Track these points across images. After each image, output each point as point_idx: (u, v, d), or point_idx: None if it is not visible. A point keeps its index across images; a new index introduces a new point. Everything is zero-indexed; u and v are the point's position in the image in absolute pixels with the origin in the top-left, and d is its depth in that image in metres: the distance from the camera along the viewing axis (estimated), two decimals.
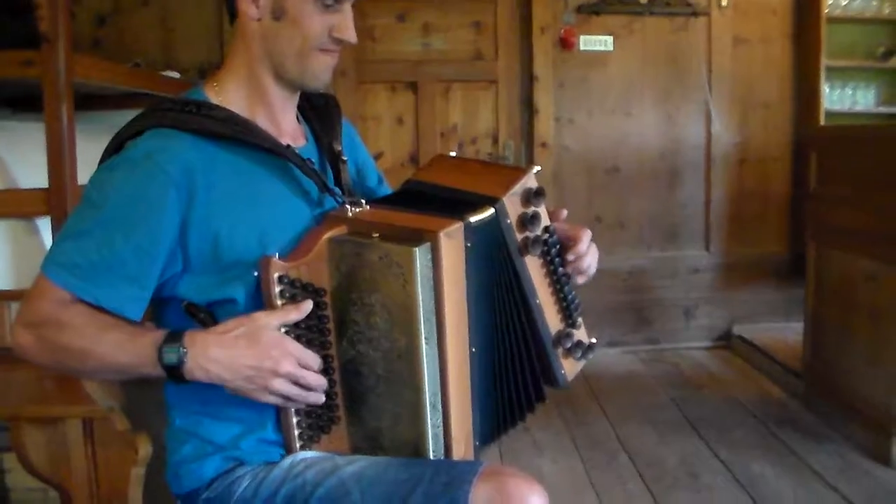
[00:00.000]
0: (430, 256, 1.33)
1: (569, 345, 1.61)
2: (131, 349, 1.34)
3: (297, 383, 1.38)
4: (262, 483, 1.45)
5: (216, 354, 1.33)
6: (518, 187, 1.49)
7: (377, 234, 1.37)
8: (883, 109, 5.26)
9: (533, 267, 1.53)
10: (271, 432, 1.49)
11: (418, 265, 1.31)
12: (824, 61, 4.93)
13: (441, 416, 1.40)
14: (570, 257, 1.59)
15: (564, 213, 1.63)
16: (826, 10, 4.92)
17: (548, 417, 3.93)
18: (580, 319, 1.65)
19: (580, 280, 1.64)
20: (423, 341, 1.35)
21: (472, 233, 1.39)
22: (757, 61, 5.17)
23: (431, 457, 1.41)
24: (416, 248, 1.31)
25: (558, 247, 1.58)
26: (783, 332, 4.91)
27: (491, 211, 1.43)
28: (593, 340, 1.68)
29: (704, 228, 5.24)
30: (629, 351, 5.17)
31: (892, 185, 3.22)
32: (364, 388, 1.42)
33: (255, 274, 1.40)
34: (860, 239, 3.58)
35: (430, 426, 1.39)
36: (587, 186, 5.12)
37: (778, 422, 3.87)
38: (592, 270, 1.64)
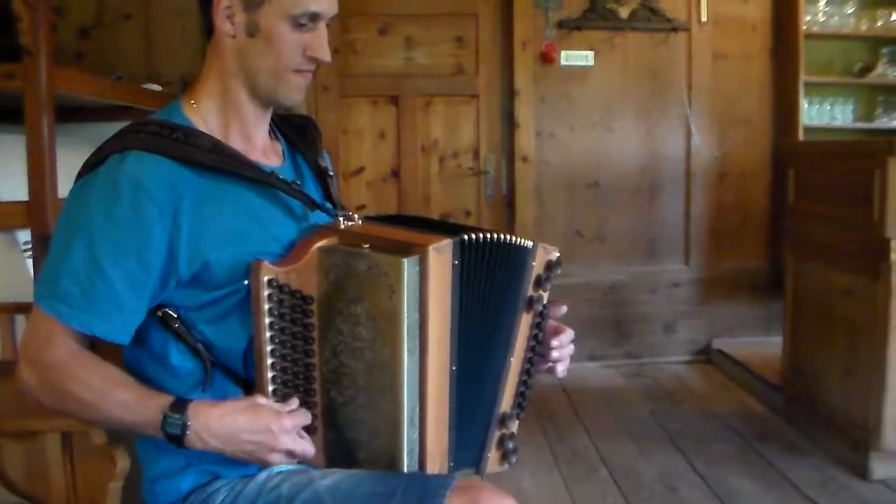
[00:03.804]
0: (417, 269, 1.34)
1: (508, 432, 1.60)
2: (136, 411, 1.35)
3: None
4: (238, 496, 1.45)
5: (217, 429, 1.34)
6: (549, 247, 1.55)
7: (367, 245, 1.38)
8: (860, 125, 5.31)
9: (523, 326, 1.55)
10: None
11: (406, 277, 1.32)
12: (803, 77, 4.97)
13: (418, 431, 1.40)
14: (555, 343, 1.62)
15: (564, 309, 1.66)
16: (804, 27, 4.96)
17: (528, 431, 3.93)
18: (522, 416, 1.64)
19: (559, 369, 1.66)
20: (406, 353, 1.36)
21: (461, 252, 1.39)
22: (736, 77, 5.22)
23: (406, 471, 1.41)
24: (405, 260, 1.32)
25: (545, 326, 1.62)
26: (763, 346, 4.94)
27: (488, 235, 1.42)
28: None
29: (684, 243, 5.27)
30: (609, 365, 5.18)
31: (868, 200, 3.25)
32: (343, 399, 1.42)
33: (246, 283, 1.41)
34: (837, 253, 3.61)
35: (406, 440, 1.39)
36: (568, 201, 5.14)
37: (757, 436, 3.89)
38: (564, 367, 1.67)
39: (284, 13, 1.44)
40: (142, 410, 1.35)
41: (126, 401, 1.35)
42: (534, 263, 1.52)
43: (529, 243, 1.50)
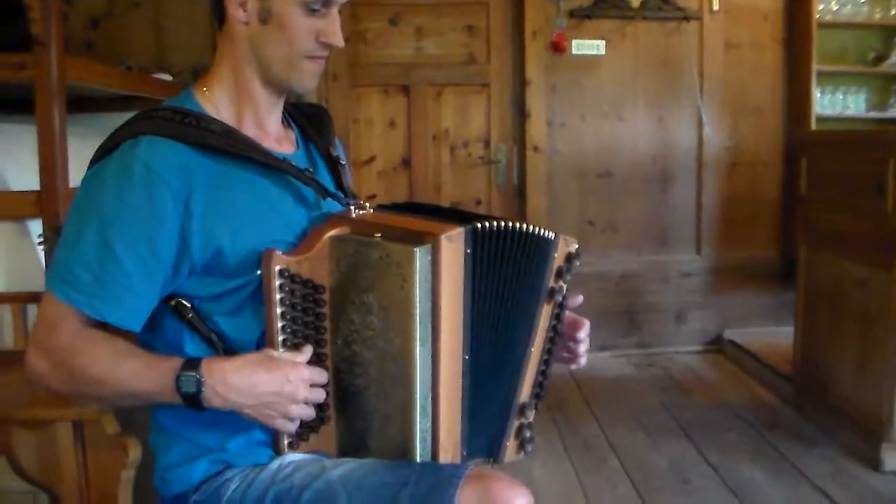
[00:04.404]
0: (429, 258, 1.33)
1: (526, 421, 1.61)
2: (149, 377, 1.34)
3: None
4: (250, 485, 1.45)
5: (234, 382, 1.33)
6: (569, 239, 1.55)
7: (379, 235, 1.38)
8: (873, 114, 5.28)
9: (543, 317, 1.55)
10: (259, 432, 1.49)
11: (417, 266, 1.32)
12: (815, 66, 4.94)
13: (430, 420, 1.40)
14: (581, 335, 1.64)
15: (580, 299, 1.67)
16: (817, 16, 4.94)
17: (539, 421, 3.91)
18: (538, 406, 1.65)
19: (581, 361, 1.68)
20: (418, 343, 1.35)
21: (474, 240, 1.38)
22: (748, 66, 5.19)
23: (418, 461, 1.41)
24: (417, 249, 1.32)
25: (564, 316, 1.63)
26: (774, 337, 4.91)
27: (502, 223, 1.42)
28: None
29: (696, 232, 5.25)
30: (620, 355, 5.18)
31: (881, 190, 3.23)
32: (356, 389, 1.42)
33: (259, 272, 1.41)
34: (850, 243, 3.60)
35: (418, 430, 1.39)
36: (579, 190, 5.13)
37: (768, 426, 3.88)
38: (584, 360, 1.69)
39: None
40: (154, 375, 1.34)
41: (137, 368, 1.34)
42: (556, 255, 1.52)
43: (551, 234, 1.50)
